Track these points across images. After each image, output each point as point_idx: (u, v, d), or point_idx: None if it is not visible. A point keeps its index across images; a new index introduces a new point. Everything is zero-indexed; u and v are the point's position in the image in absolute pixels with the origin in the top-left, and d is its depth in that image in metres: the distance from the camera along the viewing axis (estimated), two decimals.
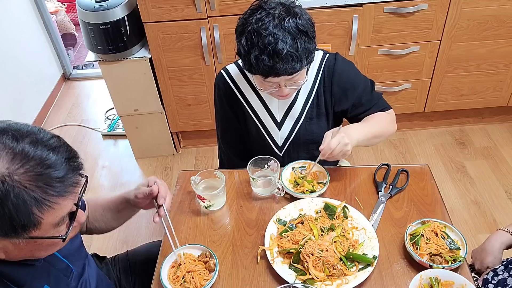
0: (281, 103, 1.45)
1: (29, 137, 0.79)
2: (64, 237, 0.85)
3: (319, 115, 1.46)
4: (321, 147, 1.27)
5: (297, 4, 1.24)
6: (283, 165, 1.41)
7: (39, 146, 0.79)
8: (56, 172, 0.78)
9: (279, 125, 1.48)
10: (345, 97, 1.43)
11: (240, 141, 1.57)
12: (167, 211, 1.15)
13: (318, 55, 1.42)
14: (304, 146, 1.50)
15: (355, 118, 1.46)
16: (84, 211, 1.23)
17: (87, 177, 0.90)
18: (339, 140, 1.24)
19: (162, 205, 1.15)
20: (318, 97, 1.44)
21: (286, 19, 1.17)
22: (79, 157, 0.85)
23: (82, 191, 0.87)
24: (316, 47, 1.28)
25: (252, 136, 1.51)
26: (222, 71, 1.48)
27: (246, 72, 1.38)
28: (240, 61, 1.41)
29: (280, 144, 1.51)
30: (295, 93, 1.42)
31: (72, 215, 0.87)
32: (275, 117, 1.47)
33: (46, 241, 0.84)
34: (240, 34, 1.24)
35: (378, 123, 1.42)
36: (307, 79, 1.38)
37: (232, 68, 1.46)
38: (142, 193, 1.15)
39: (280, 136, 1.50)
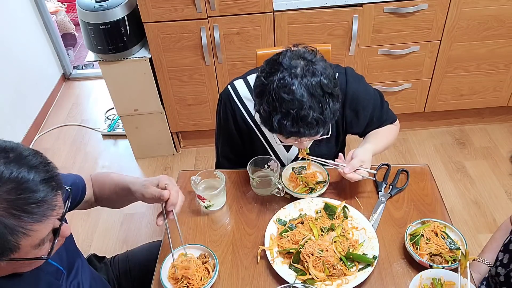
0: None
1: (3, 157, 0.74)
2: (46, 258, 0.82)
3: (329, 138, 1.39)
4: (345, 170, 1.25)
5: (318, 57, 1.14)
6: None
7: (14, 167, 0.73)
8: (33, 196, 0.74)
9: (288, 148, 1.45)
10: (356, 119, 1.41)
11: (242, 158, 1.48)
12: (176, 216, 1.09)
13: None
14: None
15: (365, 133, 1.47)
16: (86, 192, 1.20)
17: (71, 189, 0.87)
18: (359, 162, 1.26)
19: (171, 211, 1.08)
20: None
21: (310, 80, 1.08)
22: (57, 174, 0.80)
23: (67, 206, 0.84)
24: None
25: (257, 155, 1.42)
26: (229, 87, 1.39)
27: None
28: (249, 78, 1.37)
29: (286, 163, 1.47)
30: None
31: (56, 231, 0.83)
32: None
33: (29, 260, 0.81)
34: (259, 94, 1.15)
35: (386, 138, 1.44)
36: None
37: (241, 86, 1.38)
38: (151, 194, 1.08)
39: (287, 157, 1.47)
